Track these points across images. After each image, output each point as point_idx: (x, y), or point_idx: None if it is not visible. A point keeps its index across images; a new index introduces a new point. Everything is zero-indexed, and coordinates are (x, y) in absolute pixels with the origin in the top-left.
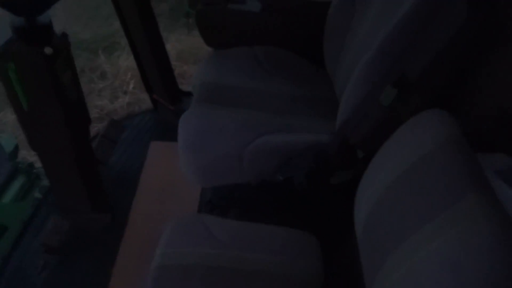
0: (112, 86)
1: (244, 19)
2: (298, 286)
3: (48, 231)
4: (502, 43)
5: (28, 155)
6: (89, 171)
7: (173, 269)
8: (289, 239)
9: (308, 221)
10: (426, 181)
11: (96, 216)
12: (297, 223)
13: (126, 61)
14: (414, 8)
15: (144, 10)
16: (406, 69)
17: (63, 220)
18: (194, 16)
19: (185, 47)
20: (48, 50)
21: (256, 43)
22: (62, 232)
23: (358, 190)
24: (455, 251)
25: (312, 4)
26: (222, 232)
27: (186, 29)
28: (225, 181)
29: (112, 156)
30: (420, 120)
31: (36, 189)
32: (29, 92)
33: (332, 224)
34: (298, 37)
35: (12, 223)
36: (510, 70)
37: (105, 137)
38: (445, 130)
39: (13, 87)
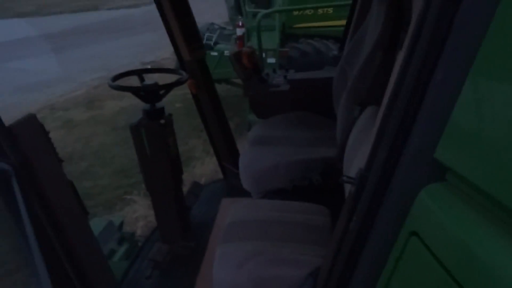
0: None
1: (279, 96)
2: (314, 228)
3: (154, 251)
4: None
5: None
6: (182, 211)
7: (238, 223)
8: (310, 206)
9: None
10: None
11: (185, 244)
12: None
13: (200, 169)
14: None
15: (217, 106)
16: (361, 91)
17: (163, 245)
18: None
19: None
20: (162, 121)
21: (288, 110)
22: (163, 252)
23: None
24: None
25: (321, 80)
26: (267, 205)
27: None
28: (269, 187)
29: (195, 206)
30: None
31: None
32: (151, 146)
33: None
34: (315, 102)
35: (118, 276)
36: None
37: (190, 192)
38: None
39: (143, 143)
